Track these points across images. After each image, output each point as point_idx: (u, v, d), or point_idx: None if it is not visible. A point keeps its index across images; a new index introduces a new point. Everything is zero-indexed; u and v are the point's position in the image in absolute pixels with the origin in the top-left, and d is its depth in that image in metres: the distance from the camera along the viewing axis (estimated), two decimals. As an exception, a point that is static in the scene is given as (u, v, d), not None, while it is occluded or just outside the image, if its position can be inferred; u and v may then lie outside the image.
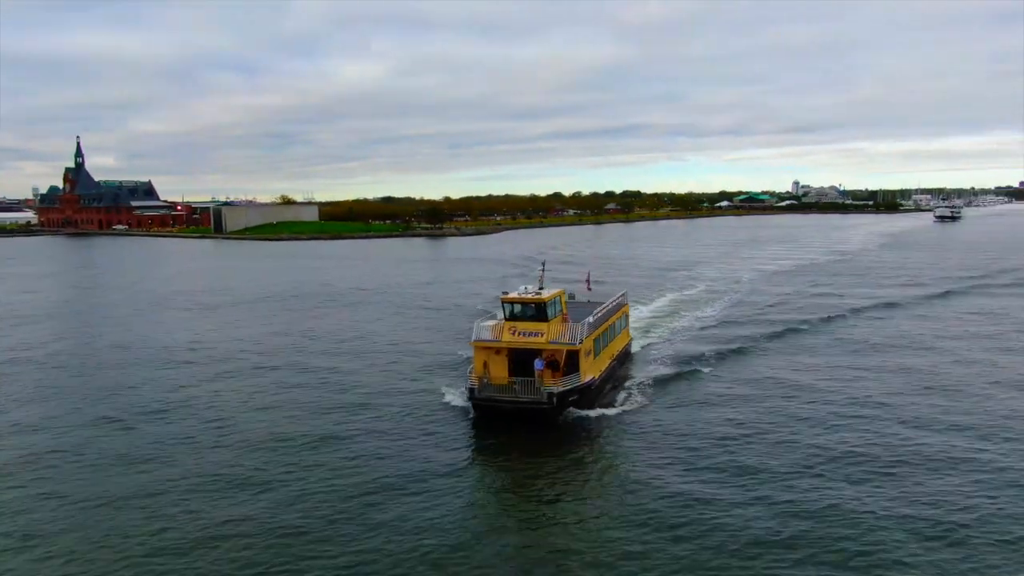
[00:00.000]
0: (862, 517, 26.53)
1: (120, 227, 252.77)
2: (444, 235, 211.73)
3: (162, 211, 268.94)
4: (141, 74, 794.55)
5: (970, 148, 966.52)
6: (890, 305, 72.43)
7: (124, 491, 30.13)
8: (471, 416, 38.39)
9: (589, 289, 56.58)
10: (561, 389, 37.70)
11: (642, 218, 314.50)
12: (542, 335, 39.89)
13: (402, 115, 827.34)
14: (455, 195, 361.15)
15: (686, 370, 47.61)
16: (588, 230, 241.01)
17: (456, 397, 41.59)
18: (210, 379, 47.64)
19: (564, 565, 24.19)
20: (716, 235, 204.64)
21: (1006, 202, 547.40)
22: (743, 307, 72.62)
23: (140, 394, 44.21)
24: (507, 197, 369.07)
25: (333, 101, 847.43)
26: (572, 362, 39.82)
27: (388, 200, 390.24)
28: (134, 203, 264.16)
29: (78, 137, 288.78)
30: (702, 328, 61.81)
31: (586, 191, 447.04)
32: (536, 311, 40.82)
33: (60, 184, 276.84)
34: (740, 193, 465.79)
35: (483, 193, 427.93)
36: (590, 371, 40.92)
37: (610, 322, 47.97)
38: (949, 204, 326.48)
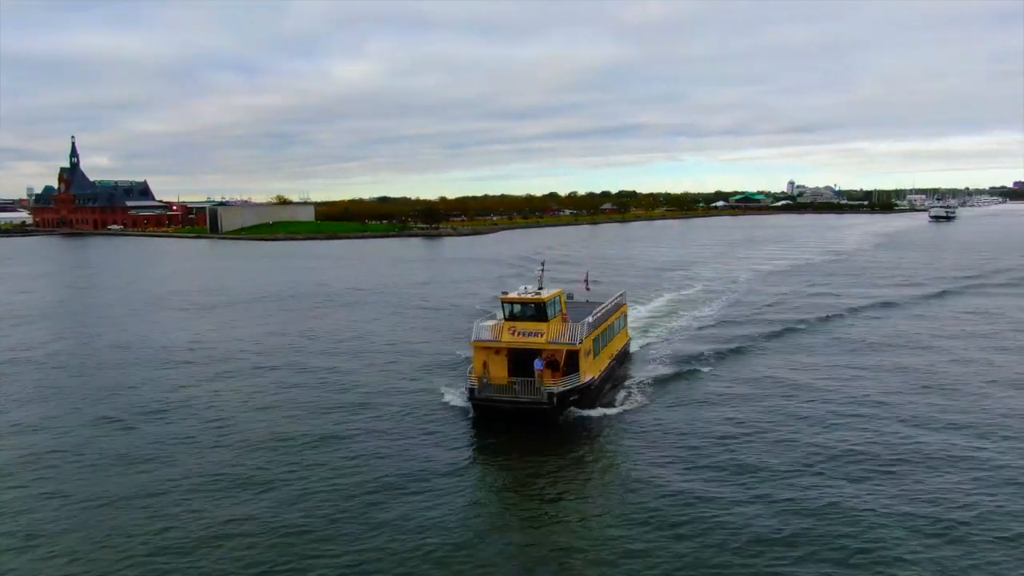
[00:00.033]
0: (862, 515, 26.70)
1: (115, 227, 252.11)
2: (440, 235, 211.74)
3: (157, 211, 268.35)
4: (140, 74, 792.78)
5: (965, 148, 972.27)
6: (887, 305, 72.73)
7: (126, 491, 30.15)
8: (471, 416, 38.46)
9: (587, 289, 56.77)
10: (561, 389, 37.75)
11: (638, 218, 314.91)
12: (542, 335, 39.96)
13: (400, 115, 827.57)
14: (451, 195, 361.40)
15: (685, 370, 47.76)
16: (584, 230, 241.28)
17: (455, 397, 41.65)
18: (209, 379, 47.64)
19: (567, 563, 24.31)
20: (712, 235, 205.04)
21: (1000, 202, 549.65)
22: (740, 307, 72.83)
23: (140, 394, 44.21)
24: (503, 197, 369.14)
25: (331, 101, 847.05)
26: (572, 362, 39.91)
27: (384, 200, 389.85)
28: (129, 203, 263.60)
29: (73, 137, 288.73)
30: (700, 328, 62.00)
31: (582, 191, 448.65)
32: (536, 311, 40.88)
33: (55, 184, 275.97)
34: (736, 193, 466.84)
35: (479, 193, 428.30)
36: (590, 371, 41.02)
37: (609, 322, 48.09)
38: (944, 204, 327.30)
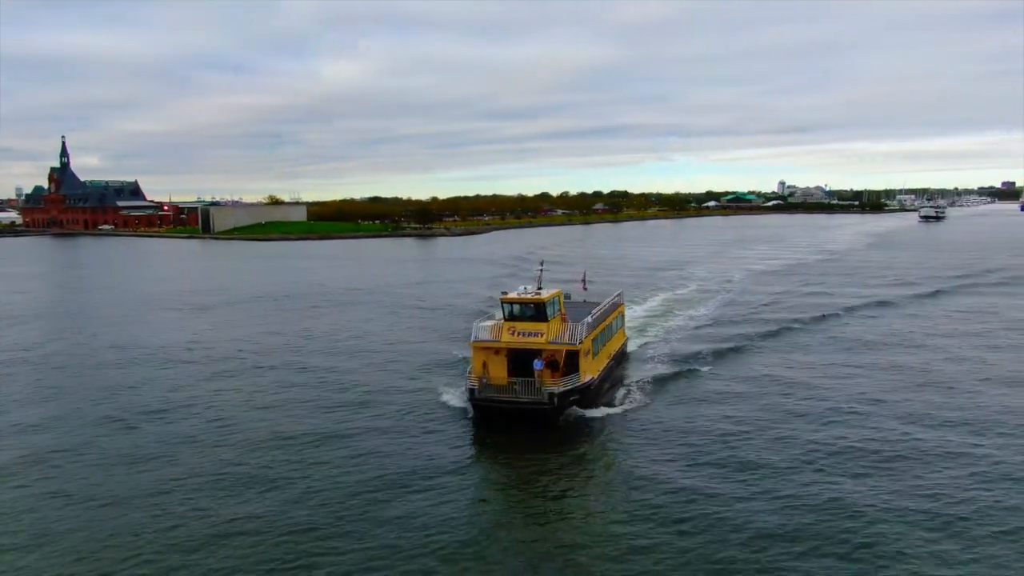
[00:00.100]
0: (863, 510, 27.07)
1: (106, 227, 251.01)
2: (433, 235, 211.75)
3: (149, 211, 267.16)
4: (129, 74, 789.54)
5: (954, 149, 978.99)
6: (880, 304, 73.34)
7: (130, 490, 30.23)
8: (471, 416, 38.60)
9: (585, 289, 57.00)
10: (562, 389, 37.87)
11: (630, 218, 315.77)
12: (542, 335, 40.11)
13: (391, 115, 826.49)
14: (441, 195, 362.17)
15: (683, 369, 48.09)
16: (577, 230, 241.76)
17: (454, 398, 41.76)
18: (209, 379, 47.68)
19: (572, 559, 24.54)
20: (704, 235, 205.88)
21: (989, 202, 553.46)
22: (735, 306, 73.29)
23: (140, 394, 44.21)
24: (495, 197, 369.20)
25: (321, 101, 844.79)
26: (572, 362, 40.08)
27: (375, 200, 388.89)
28: (120, 203, 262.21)
29: (63, 137, 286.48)
30: (696, 327, 62.39)
31: (574, 191, 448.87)
32: (536, 311, 41.00)
33: (45, 184, 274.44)
34: (727, 193, 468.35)
35: (470, 193, 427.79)
36: (589, 371, 41.23)
37: (608, 322, 48.35)
38: (933, 204, 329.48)
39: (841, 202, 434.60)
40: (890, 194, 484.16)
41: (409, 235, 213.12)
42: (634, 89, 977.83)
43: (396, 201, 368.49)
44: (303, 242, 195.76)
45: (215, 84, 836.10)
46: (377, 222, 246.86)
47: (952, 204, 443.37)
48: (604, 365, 44.92)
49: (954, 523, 26.10)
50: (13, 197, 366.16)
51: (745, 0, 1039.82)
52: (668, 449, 34.01)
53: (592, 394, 40.71)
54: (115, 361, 53.20)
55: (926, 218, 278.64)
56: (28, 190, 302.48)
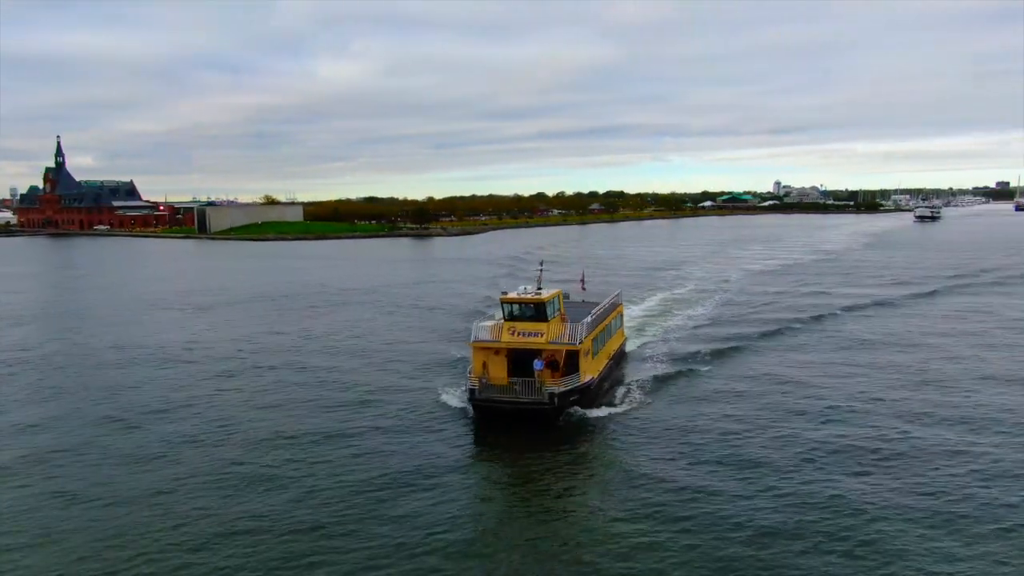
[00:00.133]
0: (864, 508, 27.26)
1: (102, 227, 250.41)
2: (430, 235, 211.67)
3: (144, 211, 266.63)
4: (125, 73, 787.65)
5: (949, 149, 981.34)
6: (878, 303, 73.65)
7: (133, 489, 30.27)
8: (471, 416, 38.66)
9: (583, 289, 57.10)
10: (562, 389, 37.97)
11: (627, 218, 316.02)
12: (542, 335, 40.18)
13: (389, 115, 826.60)
14: (438, 195, 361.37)
15: (683, 368, 48.24)
16: (573, 230, 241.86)
17: (454, 398, 41.83)
18: (210, 378, 47.70)
19: (576, 556, 24.67)
20: (701, 235, 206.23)
21: (984, 202, 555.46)
22: (733, 306, 73.50)
23: (141, 394, 44.21)
24: (491, 197, 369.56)
25: (317, 101, 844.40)
26: (572, 362, 40.16)
27: (371, 200, 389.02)
28: (116, 203, 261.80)
29: (58, 136, 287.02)
30: (695, 327, 62.56)
31: (569, 191, 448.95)
32: (535, 311, 41.08)
33: (40, 184, 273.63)
34: (723, 193, 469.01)
35: (466, 193, 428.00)
36: (589, 371, 41.33)
37: (607, 322, 48.47)
38: (929, 204, 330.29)
39: (837, 202, 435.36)
40: (885, 194, 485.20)
41: (405, 235, 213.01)
42: (634, 89, 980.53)
43: (392, 201, 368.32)
44: (299, 242, 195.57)
45: (213, 84, 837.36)
46: (373, 222, 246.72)
47: (947, 204, 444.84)
48: (604, 365, 45.03)
49: (954, 520, 26.31)
50: (8, 197, 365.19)
51: (745, 0, 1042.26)
52: (669, 448, 34.16)
53: (592, 394, 40.82)
54: (115, 361, 53.18)
55: (922, 218, 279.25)
56: (23, 190, 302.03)
